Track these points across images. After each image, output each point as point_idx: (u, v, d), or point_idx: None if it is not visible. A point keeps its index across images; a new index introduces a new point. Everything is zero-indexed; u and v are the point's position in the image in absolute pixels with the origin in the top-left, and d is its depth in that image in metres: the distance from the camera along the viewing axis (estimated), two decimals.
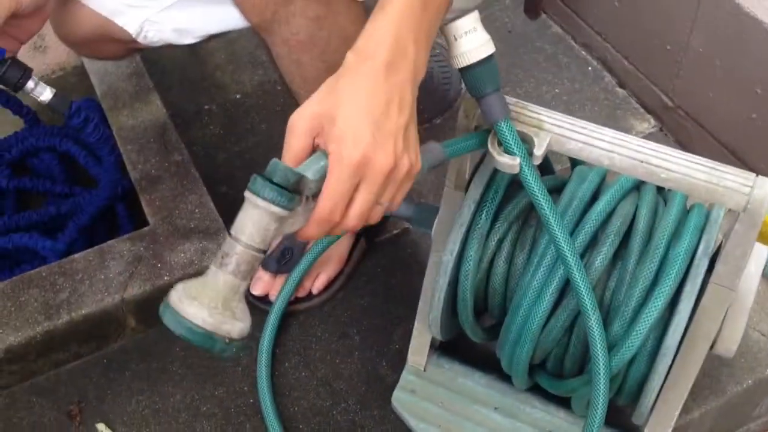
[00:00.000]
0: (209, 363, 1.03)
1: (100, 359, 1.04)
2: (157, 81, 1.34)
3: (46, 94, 0.90)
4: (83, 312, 0.99)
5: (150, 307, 1.04)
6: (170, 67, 1.45)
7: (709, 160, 0.69)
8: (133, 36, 0.92)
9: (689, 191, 0.68)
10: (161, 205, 1.10)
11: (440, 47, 1.46)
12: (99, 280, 1.02)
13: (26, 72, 0.87)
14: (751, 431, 1.09)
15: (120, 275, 1.02)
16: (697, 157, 0.70)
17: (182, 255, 1.04)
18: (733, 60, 1.11)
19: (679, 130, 1.27)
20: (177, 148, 1.17)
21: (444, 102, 1.36)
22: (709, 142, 1.20)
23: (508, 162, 0.71)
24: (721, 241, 0.76)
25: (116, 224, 1.21)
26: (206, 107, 1.38)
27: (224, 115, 1.36)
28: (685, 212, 0.80)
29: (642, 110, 1.32)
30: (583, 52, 1.43)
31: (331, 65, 0.86)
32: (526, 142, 0.72)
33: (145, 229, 1.08)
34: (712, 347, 0.79)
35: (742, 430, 1.08)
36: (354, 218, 0.62)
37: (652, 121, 1.31)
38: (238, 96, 1.40)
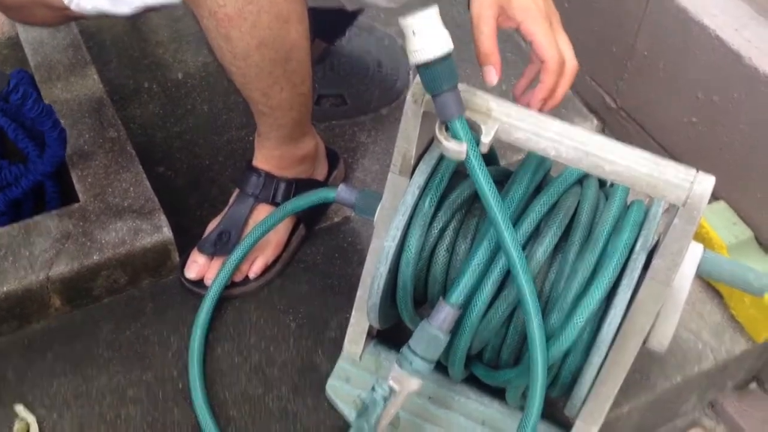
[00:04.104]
0: (137, 347, 0.99)
1: (20, 339, 0.99)
2: (95, 55, 1.29)
3: None
4: (4, 289, 0.95)
5: (77, 286, 0.99)
6: (110, 42, 1.40)
7: (653, 155, 0.69)
8: (65, 2, 0.88)
9: (632, 184, 0.69)
10: (93, 181, 1.06)
11: (388, 37, 1.45)
12: (23, 256, 0.97)
13: None
14: (677, 427, 1.11)
15: (46, 252, 0.98)
16: (642, 151, 0.70)
17: (113, 234, 1.00)
18: (677, 64, 1.13)
19: (620, 131, 1.29)
20: (113, 124, 1.13)
21: (392, 92, 1.34)
22: (649, 144, 1.22)
23: (455, 148, 0.70)
24: (659, 237, 0.77)
25: (43, 201, 1.15)
26: (146, 85, 1.34)
27: (164, 95, 1.32)
28: (626, 208, 0.80)
29: (586, 110, 1.34)
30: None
31: (262, 41, 0.84)
32: (474, 129, 0.72)
33: (75, 205, 1.03)
34: (645, 342, 0.80)
35: (669, 425, 1.10)
36: (569, 50, 0.80)
37: (595, 121, 1.32)
38: (180, 75, 1.36)
